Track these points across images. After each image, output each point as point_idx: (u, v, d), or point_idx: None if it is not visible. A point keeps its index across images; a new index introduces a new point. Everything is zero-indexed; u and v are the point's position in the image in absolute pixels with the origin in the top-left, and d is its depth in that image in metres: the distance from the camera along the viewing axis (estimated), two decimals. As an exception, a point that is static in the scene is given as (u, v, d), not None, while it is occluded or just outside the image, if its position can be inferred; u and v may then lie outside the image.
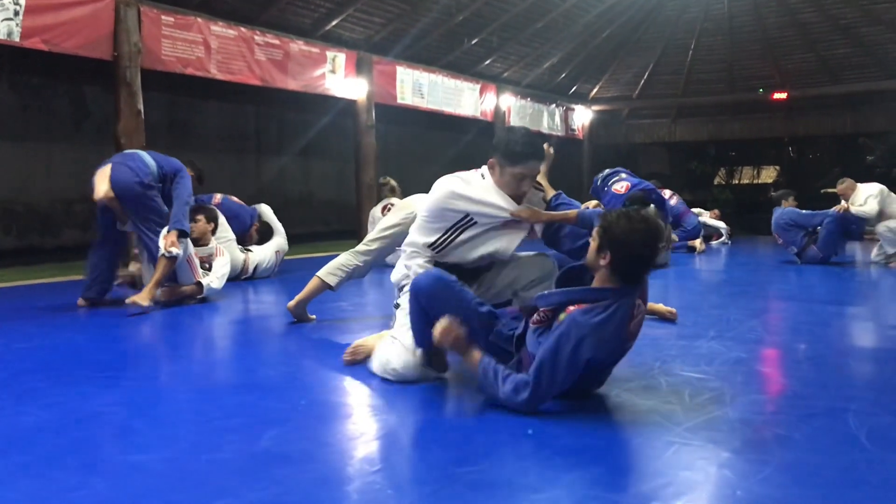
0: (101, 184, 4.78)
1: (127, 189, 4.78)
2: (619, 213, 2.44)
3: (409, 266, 3.05)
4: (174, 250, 4.73)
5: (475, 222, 2.91)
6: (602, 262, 2.41)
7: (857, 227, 7.69)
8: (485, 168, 3.06)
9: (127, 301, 4.63)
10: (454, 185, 2.97)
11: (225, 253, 5.50)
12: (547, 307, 2.47)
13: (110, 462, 2.08)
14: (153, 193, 4.86)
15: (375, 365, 2.91)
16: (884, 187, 7.73)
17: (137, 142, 7.08)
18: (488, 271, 3.07)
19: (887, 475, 1.94)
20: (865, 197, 7.60)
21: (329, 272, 4.24)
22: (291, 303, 4.27)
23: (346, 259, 4.25)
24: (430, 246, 3.01)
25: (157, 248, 4.75)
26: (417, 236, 3.04)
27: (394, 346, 2.85)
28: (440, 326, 2.55)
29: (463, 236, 2.99)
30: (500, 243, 2.97)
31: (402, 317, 2.92)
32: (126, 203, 4.81)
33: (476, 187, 2.96)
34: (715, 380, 2.90)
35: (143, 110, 7.19)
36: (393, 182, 7.66)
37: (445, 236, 2.98)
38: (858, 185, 7.83)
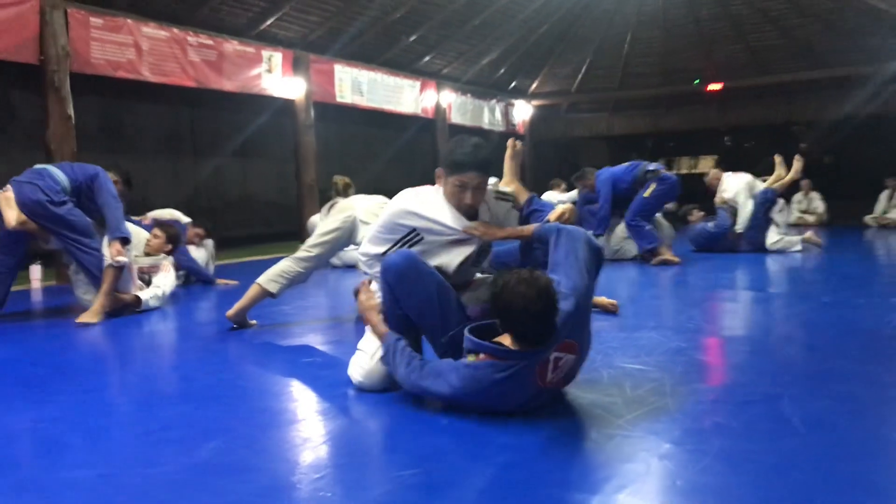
0: (9, 210, 4.59)
1: (38, 209, 4.60)
2: (506, 279, 2.32)
3: (367, 274, 3.04)
4: (122, 259, 4.65)
5: (421, 238, 2.87)
6: (502, 327, 2.36)
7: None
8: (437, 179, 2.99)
9: (77, 321, 4.53)
10: (406, 202, 2.91)
11: (170, 269, 5.33)
12: (466, 349, 2.42)
13: (42, 480, 2.01)
14: (68, 208, 4.69)
15: (349, 371, 2.88)
16: (750, 179, 7.94)
17: (68, 147, 6.89)
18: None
19: (820, 457, 1.99)
20: (734, 191, 7.84)
21: (270, 279, 4.19)
22: (231, 311, 4.21)
23: (286, 265, 4.21)
24: (382, 256, 2.98)
25: (95, 261, 4.66)
26: (370, 246, 3.01)
27: (357, 356, 2.83)
28: (363, 289, 2.67)
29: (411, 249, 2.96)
30: (444, 258, 2.91)
31: (369, 330, 2.87)
32: (42, 223, 4.65)
33: (428, 204, 2.88)
34: (655, 370, 2.95)
35: (73, 115, 6.99)
36: (342, 181, 7.42)
37: (394, 248, 2.96)
38: (724, 174, 8.12)
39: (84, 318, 4.54)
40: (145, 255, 5.24)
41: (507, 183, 3.29)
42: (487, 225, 2.88)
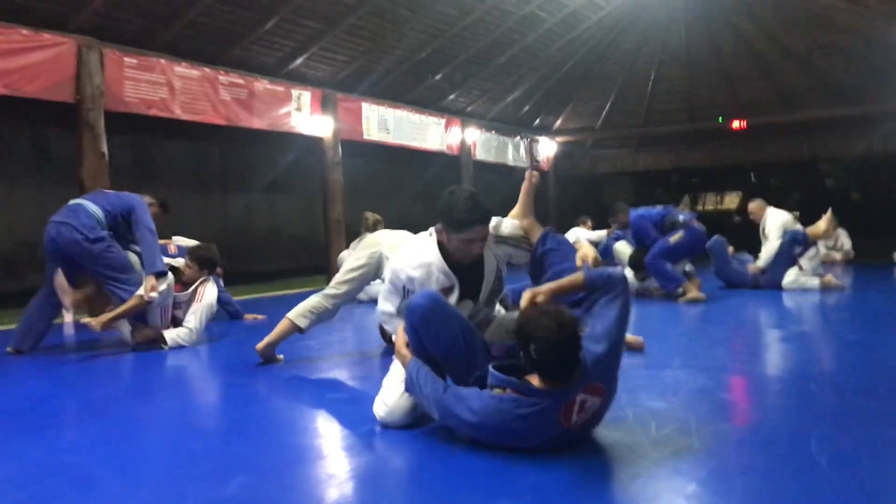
0: (64, 295, 4.82)
1: (75, 248, 4.72)
2: (531, 315, 2.34)
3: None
4: (153, 295, 4.71)
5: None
6: (526, 362, 2.37)
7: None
8: (433, 230, 2.96)
9: (82, 321, 4.73)
10: (395, 263, 2.99)
11: (203, 298, 5.12)
12: (491, 384, 2.43)
13: (75, 514, 2.05)
14: (104, 245, 4.78)
15: (374, 407, 2.89)
16: (790, 218, 7.90)
17: (101, 184, 7.02)
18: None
19: (848, 499, 1.98)
20: (771, 227, 7.86)
21: (300, 314, 4.25)
22: (260, 344, 4.25)
23: (316, 301, 4.28)
24: (395, 315, 3.04)
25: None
26: (383, 303, 3.07)
27: (382, 392, 2.85)
28: (400, 333, 2.75)
29: None
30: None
31: (395, 364, 2.91)
32: (80, 262, 4.78)
33: (416, 262, 2.90)
34: (681, 409, 2.94)
35: (106, 152, 7.15)
36: (373, 218, 7.46)
37: (401, 304, 3.00)
38: (768, 208, 8.09)
39: (89, 319, 4.69)
40: (182, 284, 5.16)
41: (519, 216, 3.26)
42: (535, 292, 2.66)
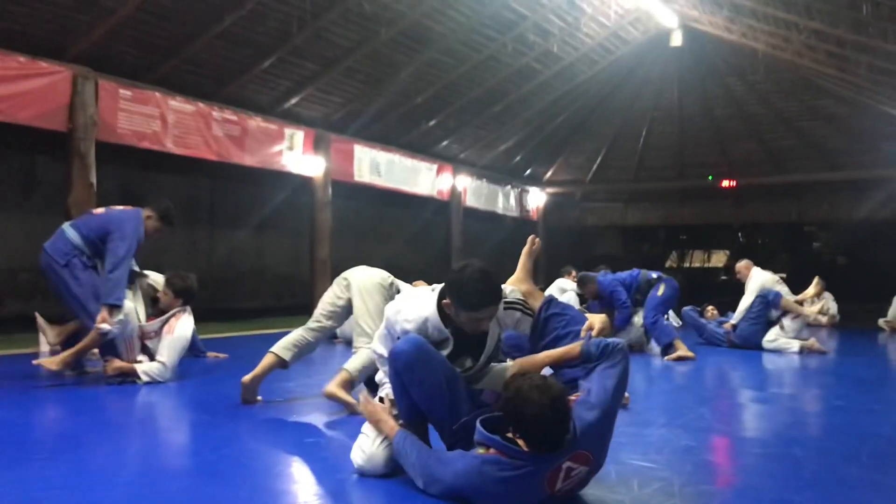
0: (44, 333, 5.06)
1: (49, 274, 4.74)
2: (518, 384, 2.27)
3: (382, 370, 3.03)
4: (105, 327, 4.59)
5: None
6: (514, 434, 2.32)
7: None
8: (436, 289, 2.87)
9: (34, 362, 4.65)
10: (392, 312, 2.90)
11: (175, 331, 4.92)
12: (477, 440, 2.37)
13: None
14: (70, 271, 4.73)
15: (352, 454, 2.82)
16: (772, 278, 8.06)
17: (88, 213, 7.00)
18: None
19: (833, 572, 1.93)
20: (754, 285, 7.98)
21: (283, 348, 4.23)
22: (247, 378, 4.18)
23: (298, 336, 4.27)
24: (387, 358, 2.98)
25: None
26: (378, 345, 3.02)
27: (360, 439, 2.79)
28: (363, 400, 2.75)
29: None
30: None
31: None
32: (55, 289, 4.78)
33: (413, 315, 2.82)
34: (664, 469, 2.89)
35: (95, 182, 7.12)
36: None
37: None
38: (754, 268, 8.21)
39: (44, 361, 4.64)
40: (159, 312, 5.04)
41: (519, 281, 3.24)
42: (525, 361, 2.76)
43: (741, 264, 8.43)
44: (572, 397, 2.41)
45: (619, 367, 2.52)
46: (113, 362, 4.77)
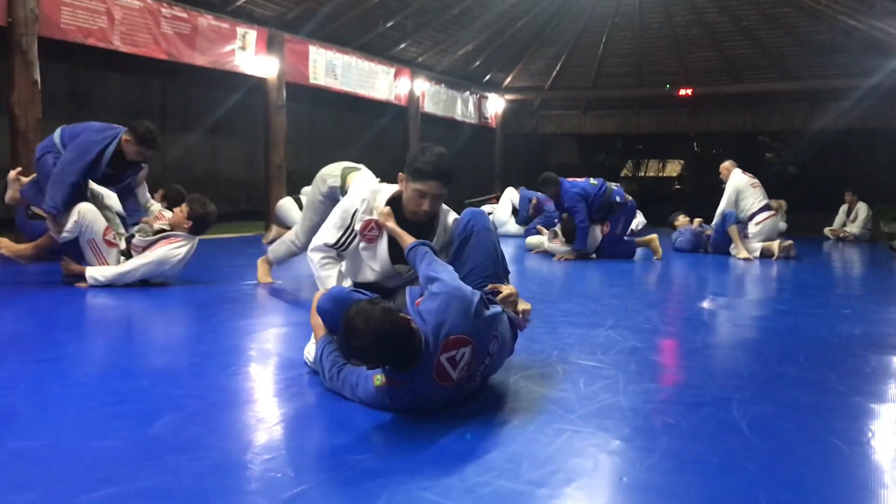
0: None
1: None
2: (350, 309, 2.22)
3: (310, 259, 3.28)
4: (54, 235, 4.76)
5: (355, 236, 3.14)
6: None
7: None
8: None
9: None
10: (347, 197, 3.24)
11: (159, 251, 4.73)
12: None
13: (-10, 449, 1.99)
14: (42, 167, 4.84)
15: (305, 353, 2.88)
16: (745, 183, 8.43)
17: (33, 114, 6.77)
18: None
19: (764, 462, 2.04)
20: (729, 187, 8.45)
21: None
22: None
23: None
24: (333, 245, 3.19)
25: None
26: (324, 232, 3.17)
27: (311, 341, 2.83)
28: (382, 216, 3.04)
29: (353, 244, 3.17)
30: (374, 266, 3.17)
31: None
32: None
33: (366, 192, 3.13)
34: (610, 368, 2.99)
35: (39, 80, 6.86)
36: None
37: (342, 238, 3.16)
38: (735, 169, 8.67)
39: (5, 244, 4.84)
40: (160, 227, 4.89)
41: None
42: (387, 216, 3.02)
43: (724, 165, 8.80)
44: (418, 300, 2.44)
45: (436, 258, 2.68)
46: (68, 263, 4.77)
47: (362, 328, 2.13)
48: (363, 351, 2.18)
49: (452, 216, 3.14)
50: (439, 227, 3.10)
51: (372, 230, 3.09)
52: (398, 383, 2.28)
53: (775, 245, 7.98)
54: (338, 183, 4.54)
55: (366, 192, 3.13)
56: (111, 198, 5.06)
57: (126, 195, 5.19)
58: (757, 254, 7.96)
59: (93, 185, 4.95)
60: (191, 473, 1.84)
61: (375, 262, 3.13)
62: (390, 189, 3.13)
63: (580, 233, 7.36)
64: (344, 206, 3.16)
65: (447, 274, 2.51)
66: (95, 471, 1.83)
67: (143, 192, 5.78)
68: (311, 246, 3.28)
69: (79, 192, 4.76)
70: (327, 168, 4.74)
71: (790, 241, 8.20)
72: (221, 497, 1.72)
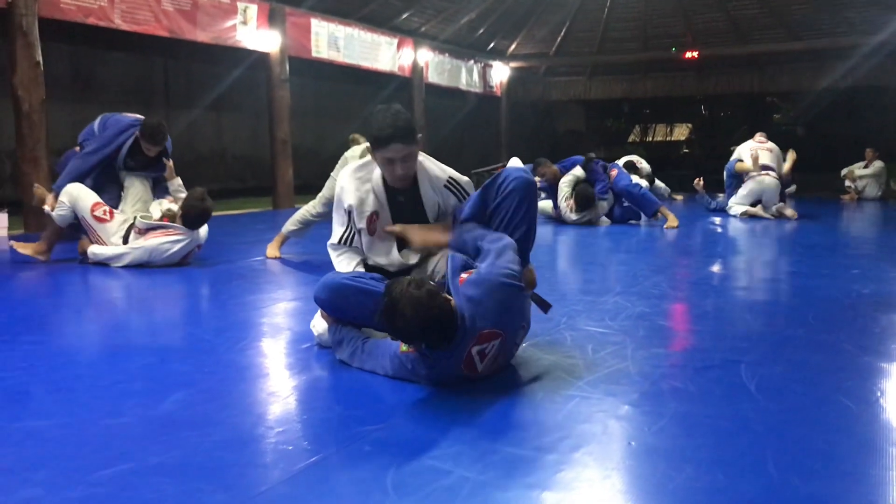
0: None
1: None
2: (393, 290, 2.18)
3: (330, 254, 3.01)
4: (46, 208, 4.85)
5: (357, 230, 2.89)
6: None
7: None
8: None
9: (12, 243, 4.93)
10: (341, 180, 2.89)
11: (153, 239, 4.74)
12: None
13: (4, 429, 2.01)
14: (80, 152, 5.12)
15: (311, 325, 2.87)
16: (745, 149, 8.83)
17: (36, 95, 6.78)
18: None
19: (772, 423, 2.05)
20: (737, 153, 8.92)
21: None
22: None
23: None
24: (338, 243, 2.94)
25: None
26: (333, 233, 2.96)
27: (319, 312, 2.80)
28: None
29: (357, 238, 2.93)
30: (382, 258, 2.92)
31: None
32: None
33: (358, 183, 2.85)
34: (618, 334, 3.00)
35: (41, 61, 6.85)
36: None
37: (344, 235, 2.92)
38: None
39: (21, 244, 4.91)
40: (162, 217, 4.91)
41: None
42: (405, 228, 2.77)
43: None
44: (463, 276, 2.39)
45: (505, 240, 2.48)
46: (84, 242, 4.97)
47: (410, 314, 2.11)
48: (408, 334, 2.20)
49: (436, 168, 2.90)
50: (423, 187, 2.84)
51: (372, 223, 2.88)
52: (425, 357, 2.30)
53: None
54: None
55: (348, 182, 2.88)
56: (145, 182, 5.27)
57: (161, 192, 5.33)
58: (739, 212, 8.42)
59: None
60: (204, 448, 1.86)
61: (382, 257, 2.91)
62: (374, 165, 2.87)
63: (645, 197, 7.65)
64: (336, 203, 2.95)
65: (496, 249, 2.43)
66: (109, 448, 1.86)
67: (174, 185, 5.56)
68: (328, 242, 3.14)
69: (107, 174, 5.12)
70: (351, 150, 5.04)
71: (782, 203, 8.40)
72: (235, 470, 1.74)
